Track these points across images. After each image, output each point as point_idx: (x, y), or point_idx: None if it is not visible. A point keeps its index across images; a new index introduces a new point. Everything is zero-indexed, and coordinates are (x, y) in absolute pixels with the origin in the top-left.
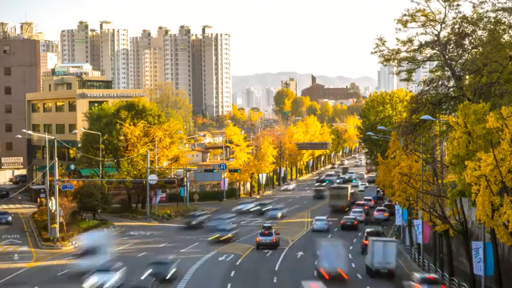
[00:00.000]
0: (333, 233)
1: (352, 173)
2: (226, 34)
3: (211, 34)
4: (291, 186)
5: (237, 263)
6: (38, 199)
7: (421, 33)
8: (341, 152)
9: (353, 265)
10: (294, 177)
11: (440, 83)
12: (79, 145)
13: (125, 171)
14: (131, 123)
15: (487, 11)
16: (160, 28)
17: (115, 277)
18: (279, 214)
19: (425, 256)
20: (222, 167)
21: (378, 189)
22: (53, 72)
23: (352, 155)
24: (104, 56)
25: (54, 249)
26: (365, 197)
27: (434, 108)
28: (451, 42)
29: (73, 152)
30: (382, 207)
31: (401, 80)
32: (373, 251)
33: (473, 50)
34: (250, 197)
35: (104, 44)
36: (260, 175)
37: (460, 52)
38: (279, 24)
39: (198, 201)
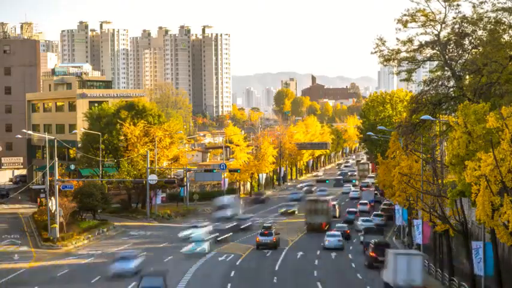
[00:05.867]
0: None
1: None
2: (226, 34)
3: (211, 34)
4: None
5: (237, 263)
6: (38, 199)
7: (421, 33)
8: (341, 151)
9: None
10: (294, 177)
11: (440, 83)
12: (79, 145)
13: (125, 171)
14: (131, 123)
15: (487, 11)
16: (160, 28)
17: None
18: None
19: (425, 256)
20: (222, 167)
21: (376, 192)
22: (53, 72)
23: (337, 164)
24: (104, 56)
25: (54, 249)
26: (361, 201)
27: (434, 108)
28: (451, 42)
29: (73, 152)
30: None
31: (401, 80)
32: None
33: (473, 50)
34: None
35: (104, 44)
36: (260, 175)
37: (460, 52)
38: (279, 24)
39: (198, 201)
